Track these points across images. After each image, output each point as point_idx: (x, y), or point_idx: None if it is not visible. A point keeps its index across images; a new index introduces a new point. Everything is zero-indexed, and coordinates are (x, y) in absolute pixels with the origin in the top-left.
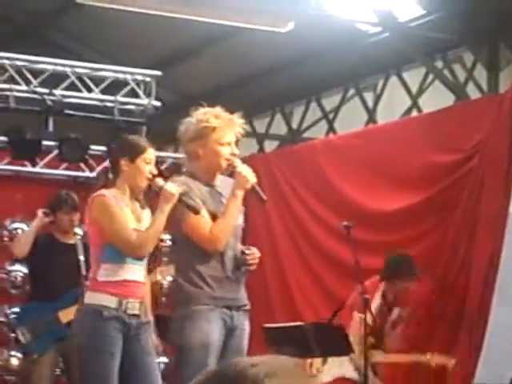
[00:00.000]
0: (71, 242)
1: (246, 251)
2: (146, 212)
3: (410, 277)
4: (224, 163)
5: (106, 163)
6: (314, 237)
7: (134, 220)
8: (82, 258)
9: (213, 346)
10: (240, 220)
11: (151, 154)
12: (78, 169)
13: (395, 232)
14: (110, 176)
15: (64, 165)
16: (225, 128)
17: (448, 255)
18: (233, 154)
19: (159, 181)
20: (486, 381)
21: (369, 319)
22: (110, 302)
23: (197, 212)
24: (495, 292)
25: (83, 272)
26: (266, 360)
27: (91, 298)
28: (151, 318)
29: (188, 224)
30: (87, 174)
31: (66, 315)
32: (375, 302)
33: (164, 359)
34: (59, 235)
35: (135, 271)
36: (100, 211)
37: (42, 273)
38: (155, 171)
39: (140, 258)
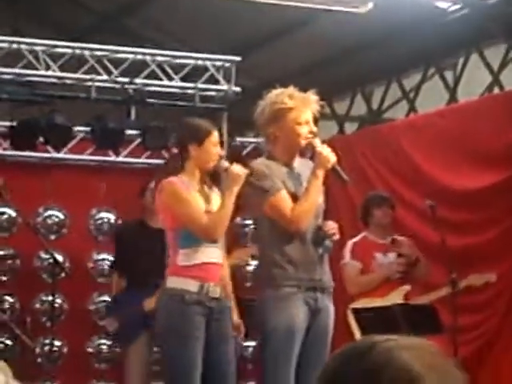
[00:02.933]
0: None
1: (322, 226)
2: (215, 193)
3: (381, 202)
4: (303, 142)
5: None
6: (398, 217)
7: (204, 202)
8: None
9: (297, 329)
10: (320, 200)
11: (216, 135)
12: (161, 157)
13: (479, 211)
14: (179, 162)
15: (147, 153)
16: (300, 107)
17: None
18: (311, 133)
19: (224, 162)
20: None
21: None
22: (191, 286)
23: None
24: None
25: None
26: (402, 337)
27: (172, 282)
28: (232, 302)
29: (269, 205)
30: None
31: (149, 303)
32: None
33: (251, 343)
34: (148, 219)
35: (212, 253)
36: (171, 197)
37: (130, 261)
38: (222, 152)
39: (214, 241)
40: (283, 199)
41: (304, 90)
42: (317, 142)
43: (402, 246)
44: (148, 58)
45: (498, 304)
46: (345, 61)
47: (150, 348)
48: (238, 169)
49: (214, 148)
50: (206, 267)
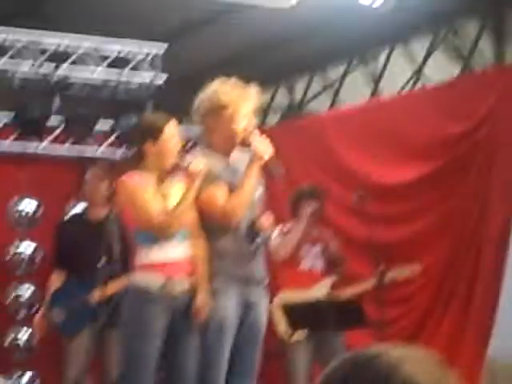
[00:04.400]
0: (102, 216)
1: (255, 220)
2: (176, 187)
3: (310, 196)
4: (238, 138)
5: (112, 139)
6: (325, 211)
7: (162, 199)
8: (115, 234)
9: (229, 324)
10: (258, 193)
11: (172, 130)
12: (84, 145)
13: (404, 204)
14: (138, 160)
15: (70, 141)
16: (239, 101)
17: (460, 225)
18: (248, 127)
19: (186, 159)
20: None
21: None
22: (154, 282)
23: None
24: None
25: (115, 250)
26: (399, 348)
27: (135, 278)
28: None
29: (203, 197)
30: (94, 149)
31: (96, 295)
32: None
33: None
34: (88, 212)
35: (175, 250)
36: (124, 196)
37: (72, 255)
38: (179, 145)
39: (169, 238)
40: (217, 193)
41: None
42: (253, 136)
43: (329, 241)
44: (73, 44)
45: (421, 297)
46: (269, 53)
47: (94, 340)
48: (196, 164)
49: (169, 144)
50: (168, 264)
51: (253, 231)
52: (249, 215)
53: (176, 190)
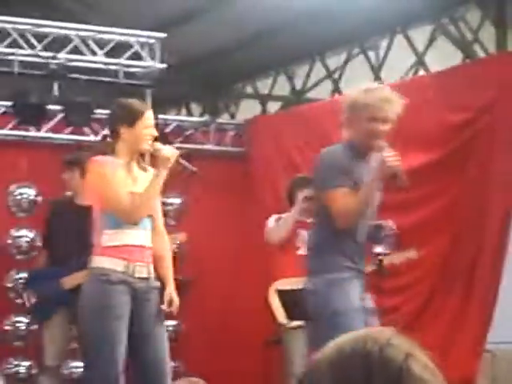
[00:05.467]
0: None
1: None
2: (148, 173)
3: (303, 184)
4: (377, 139)
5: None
6: None
7: (132, 183)
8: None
9: (359, 310)
10: (377, 199)
11: (149, 117)
12: (83, 133)
13: (407, 192)
14: (110, 142)
15: (68, 129)
16: (380, 104)
17: (461, 213)
18: (387, 132)
19: (156, 144)
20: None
21: None
22: (116, 265)
23: None
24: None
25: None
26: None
27: (97, 262)
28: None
29: (328, 197)
30: (92, 138)
31: (69, 281)
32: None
33: (173, 322)
34: (75, 196)
35: (138, 236)
36: (95, 177)
37: (55, 238)
38: (155, 133)
39: (135, 223)
40: (341, 193)
41: (226, 68)
42: (383, 144)
43: None
44: (72, 32)
45: (421, 286)
46: (268, 39)
47: (68, 325)
48: (167, 151)
49: (145, 130)
50: (131, 249)
51: (372, 233)
52: (369, 213)
53: (146, 176)
